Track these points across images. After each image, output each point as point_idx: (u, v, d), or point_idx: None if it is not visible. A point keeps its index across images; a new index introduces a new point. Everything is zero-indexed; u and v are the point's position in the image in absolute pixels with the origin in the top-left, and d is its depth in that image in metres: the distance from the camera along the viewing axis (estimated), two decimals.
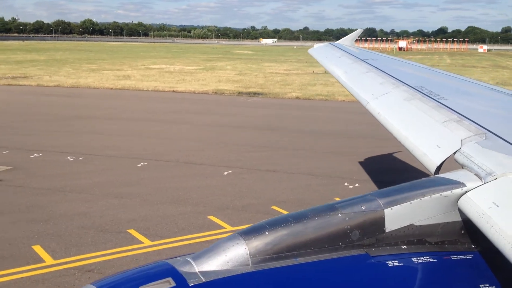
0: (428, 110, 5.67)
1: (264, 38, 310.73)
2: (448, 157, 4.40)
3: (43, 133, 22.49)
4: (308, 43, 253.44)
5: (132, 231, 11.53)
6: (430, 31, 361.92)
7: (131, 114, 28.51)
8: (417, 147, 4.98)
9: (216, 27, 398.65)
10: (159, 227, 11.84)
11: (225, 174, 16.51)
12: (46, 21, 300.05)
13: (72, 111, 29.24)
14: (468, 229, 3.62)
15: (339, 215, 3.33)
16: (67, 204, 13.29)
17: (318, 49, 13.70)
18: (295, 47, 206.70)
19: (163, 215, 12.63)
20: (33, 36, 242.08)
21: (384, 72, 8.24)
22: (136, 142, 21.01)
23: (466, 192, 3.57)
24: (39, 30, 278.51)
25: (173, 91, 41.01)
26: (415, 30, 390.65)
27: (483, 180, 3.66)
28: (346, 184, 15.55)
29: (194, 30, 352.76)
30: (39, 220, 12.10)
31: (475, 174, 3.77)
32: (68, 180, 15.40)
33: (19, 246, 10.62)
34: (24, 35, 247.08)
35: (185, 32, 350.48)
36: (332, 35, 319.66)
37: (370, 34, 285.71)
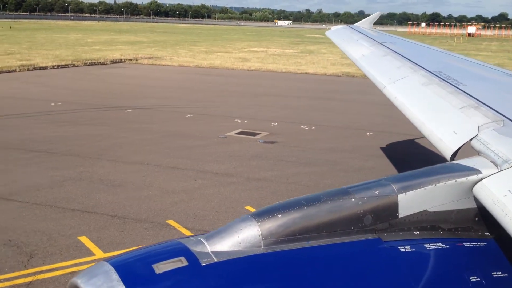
0: (445, 95, 5.63)
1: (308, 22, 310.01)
2: (464, 144, 4.38)
3: (252, 107, 26.62)
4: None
5: None
6: (490, 17, 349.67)
7: (302, 93, 32.35)
8: (433, 132, 4.97)
9: (270, 9, 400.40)
10: None
11: None
12: (108, 2, 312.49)
13: (248, 89, 33.47)
14: (483, 217, 3.63)
15: (352, 199, 3.35)
16: (353, 160, 17.11)
17: (336, 31, 13.53)
18: None
19: None
20: (106, 17, 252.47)
21: (402, 56, 8.18)
22: (339, 117, 24.74)
23: (482, 179, 3.55)
24: (109, 11, 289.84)
25: (306, 73, 44.71)
26: (473, 15, 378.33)
27: (499, 168, 3.63)
28: None
29: (256, 13, 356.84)
30: (343, 170, 15.96)
31: (491, 161, 3.73)
32: (324, 143, 19.28)
33: None
34: (97, 15, 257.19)
35: (247, 14, 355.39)
36: (395, 18, 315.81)
37: (433, 19, 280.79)
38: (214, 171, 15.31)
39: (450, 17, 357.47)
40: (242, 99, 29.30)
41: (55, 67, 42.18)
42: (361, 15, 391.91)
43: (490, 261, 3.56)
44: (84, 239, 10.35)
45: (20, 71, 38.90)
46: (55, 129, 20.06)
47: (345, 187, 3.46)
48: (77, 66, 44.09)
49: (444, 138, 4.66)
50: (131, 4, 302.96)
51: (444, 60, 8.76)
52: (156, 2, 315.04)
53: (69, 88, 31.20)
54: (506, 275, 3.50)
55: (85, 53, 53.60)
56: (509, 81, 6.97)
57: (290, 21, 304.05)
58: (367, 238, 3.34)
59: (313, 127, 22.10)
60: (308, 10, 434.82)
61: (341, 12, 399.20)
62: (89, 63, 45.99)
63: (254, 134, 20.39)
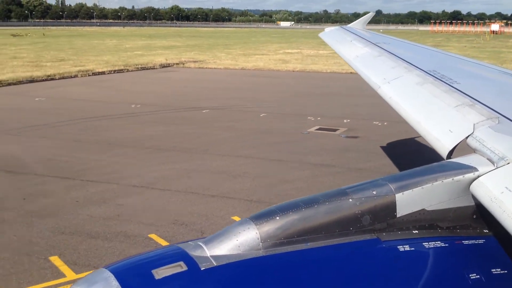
0: (440, 94, 5.66)
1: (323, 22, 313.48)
2: (460, 142, 4.41)
3: (317, 105, 27.99)
4: (391, 27, 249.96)
5: None
6: (510, 14, 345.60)
7: (356, 92, 33.39)
8: (429, 131, 5.01)
9: (287, 10, 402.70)
10: None
11: None
12: (128, 7, 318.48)
13: (303, 88, 34.92)
14: (480, 214, 3.65)
15: (350, 200, 3.36)
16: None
17: (329, 32, 13.67)
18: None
19: None
20: (130, 22, 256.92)
21: (396, 56, 8.24)
22: None
23: (479, 176, 3.57)
24: (133, 16, 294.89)
25: (351, 72, 45.80)
26: (492, 12, 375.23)
27: (495, 165, 3.65)
28: None
29: (276, 15, 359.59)
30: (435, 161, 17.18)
31: (488, 159, 3.74)
32: (403, 137, 20.49)
33: None
34: (121, 21, 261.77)
35: (267, 17, 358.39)
36: (416, 17, 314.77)
37: (454, 17, 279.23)
38: (315, 162, 16.69)
39: (469, 15, 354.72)
40: (303, 98, 30.67)
41: (111, 72, 44.10)
42: (379, 15, 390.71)
43: (489, 258, 3.57)
44: (237, 219, 11.80)
45: (81, 76, 40.89)
46: (149, 129, 21.67)
47: (342, 187, 3.50)
48: (131, 71, 45.98)
49: (440, 137, 4.71)
50: (153, 9, 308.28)
51: (438, 59, 8.88)
52: (177, 6, 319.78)
53: (136, 92, 32.91)
54: (506, 271, 3.52)
55: (131, 58, 55.59)
56: (503, 79, 7.08)
57: (293, 22, 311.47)
58: (365, 238, 3.36)
59: (385, 123, 23.34)
60: (325, 11, 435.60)
61: (360, 12, 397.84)
62: (140, 67, 47.89)
63: (334, 130, 21.74)
